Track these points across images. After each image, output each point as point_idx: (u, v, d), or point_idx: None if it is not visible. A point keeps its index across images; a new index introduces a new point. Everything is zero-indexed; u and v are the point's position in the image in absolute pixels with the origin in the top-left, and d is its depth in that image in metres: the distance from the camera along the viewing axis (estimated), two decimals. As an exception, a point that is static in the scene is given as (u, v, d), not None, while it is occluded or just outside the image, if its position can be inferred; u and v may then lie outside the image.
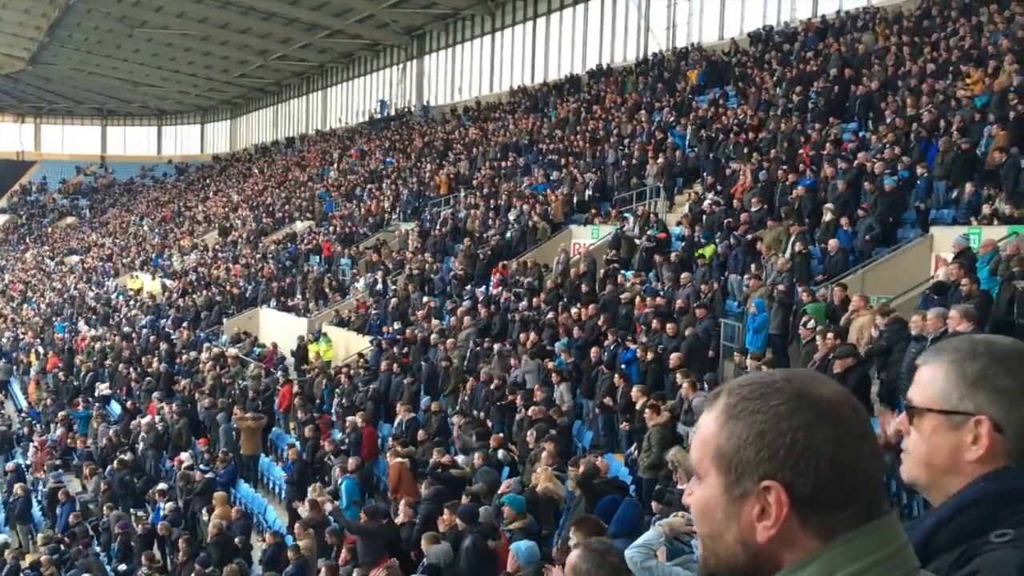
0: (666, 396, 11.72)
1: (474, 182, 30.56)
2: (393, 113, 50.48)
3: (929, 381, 1.46)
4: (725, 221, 16.97)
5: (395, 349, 18.92)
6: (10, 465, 22.27)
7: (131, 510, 17.77)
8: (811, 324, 11.81)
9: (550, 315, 16.77)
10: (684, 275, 15.57)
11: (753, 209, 16.75)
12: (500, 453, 12.59)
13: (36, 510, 20.00)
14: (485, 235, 24.14)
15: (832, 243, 14.38)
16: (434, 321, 19.70)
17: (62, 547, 17.29)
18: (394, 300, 22.51)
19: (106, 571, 15.49)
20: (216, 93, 69.09)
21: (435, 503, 10.59)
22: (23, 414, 27.62)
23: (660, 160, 22.00)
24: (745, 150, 20.28)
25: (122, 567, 15.55)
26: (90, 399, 25.11)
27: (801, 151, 18.78)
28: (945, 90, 17.93)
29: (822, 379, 1.26)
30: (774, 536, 1.17)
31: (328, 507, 12.68)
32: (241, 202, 47.97)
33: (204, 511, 15.46)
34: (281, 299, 27.88)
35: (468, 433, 13.39)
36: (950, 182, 14.84)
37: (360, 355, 20.46)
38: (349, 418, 16.30)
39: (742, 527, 1.19)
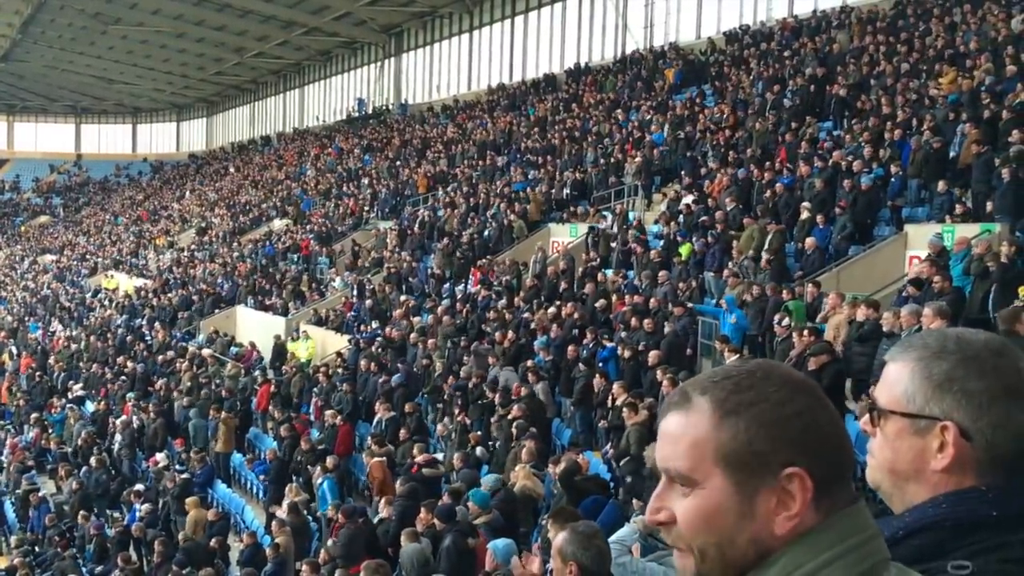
0: (643, 394, 11.77)
1: (452, 181, 30.52)
2: (371, 111, 50.31)
3: (895, 380, 1.35)
4: (701, 219, 17.05)
5: (373, 348, 18.88)
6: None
7: (107, 511, 17.63)
8: (785, 322, 11.89)
9: (526, 314, 16.78)
10: (662, 273, 15.63)
11: (729, 208, 16.84)
12: (479, 451, 12.60)
13: (9, 512, 19.78)
14: (462, 234, 24.12)
15: (809, 241, 14.49)
16: (414, 319, 19.66)
17: (36, 549, 17.13)
18: (370, 300, 22.44)
19: (82, 573, 15.34)
20: (192, 91, 68.58)
21: (411, 501, 10.58)
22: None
23: (638, 159, 22.07)
24: (722, 149, 20.39)
25: (98, 569, 15.42)
26: (64, 400, 24.86)
27: (777, 150, 18.91)
28: (919, 89, 18.10)
29: (783, 365, 1.24)
30: (794, 526, 1.13)
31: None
32: (218, 201, 47.65)
33: (180, 512, 15.37)
34: (258, 298, 27.72)
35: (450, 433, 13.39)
36: (922, 180, 15.00)
37: (338, 354, 20.38)
38: (327, 413, 16.26)
39: (758, 524, 1.14)
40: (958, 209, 13.56)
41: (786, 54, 24.61)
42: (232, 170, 55.14)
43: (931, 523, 1.28)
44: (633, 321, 14.18)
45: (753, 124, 20.57)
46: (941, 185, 14.14)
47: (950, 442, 1.30)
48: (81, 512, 17.48)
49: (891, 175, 15.38)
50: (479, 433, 13.26)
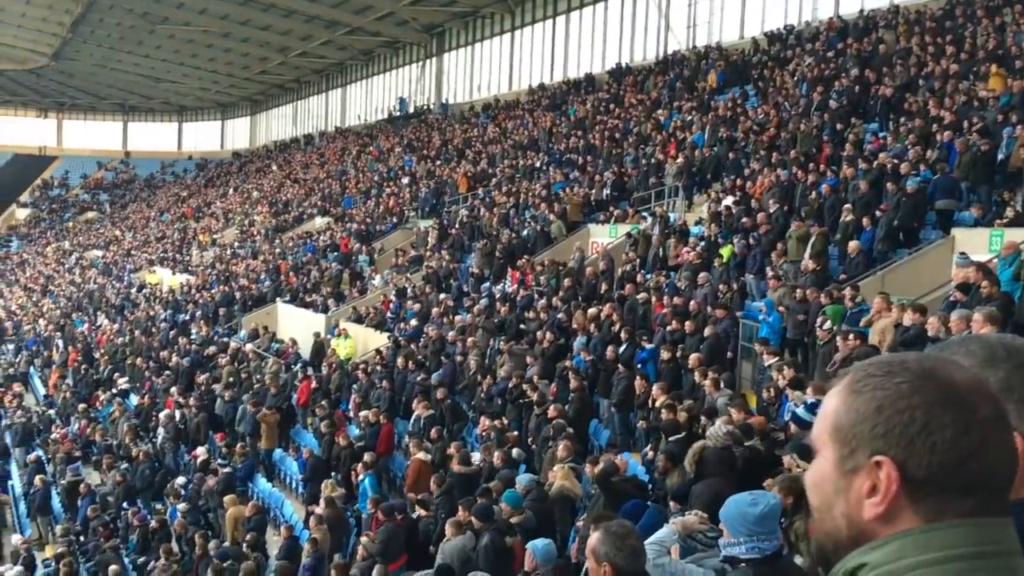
0: (683, 396, 11.71)
1: (492, 180, 30.58)
2: (412, 111, 50.57)
3: None
4: (742, 221, 16.90)
5: (412, 346, 18.98)
6: (31, 457, 22.48)
7: (150, 503, 17.92)
8: (827, 325, 11.74)
9: (560, 315, 16.76)
10: (702, 275, 15.52)
11: (772, 210, 16.68)
12: (515, 451, 12.61)
13: (56, 502, 20.18)
14: (501, 234, 24.15)
15: (852, 245, 14.29)
16: (456, 318, 19.72)
17: (81, 539, 17.46)
18: (410, 299, 22.57)
19: (124, 564, 15.60)
20: (236, 90, 69.46)
21: (448, 499, 10.63)
22: (43, 406, 27.86)
23: (679, 160, 21.94)
24: (764, 150, 20.20)
25: (140, 560, 15.68)
26: (110, 393, 25.31)
27: (820, 151, 18.69)
28: (967, 91, 17.78)
29: (958, 364, 1.22)
30: (880, 514, 1.15)
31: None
32: (260, 198, 48.19)
33: (221, 506, 15.58)
34: (299, 295, 28.01)
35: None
36: (969, 183, 14.73)
37: (378, 352, 20.52)
38: (364, 413, 16.38)
39: (850, 502, 1.18)
40: (1009, 213, 13.29)
41: (831, 54, 24.31)
42: (274, 168, 55.74)
43: None
44: (673, 323, 14.10)
45: (797, 125, 20.35)
46: (985, 190, 13.85)
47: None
48: (124, 504, 17.79)
49: (937, 177, 15.10)
50: (516, 433, 13.26)
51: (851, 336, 10.74)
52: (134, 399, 24.79)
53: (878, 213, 14.72)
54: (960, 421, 1.14)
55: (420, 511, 11.30)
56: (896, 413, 1.15)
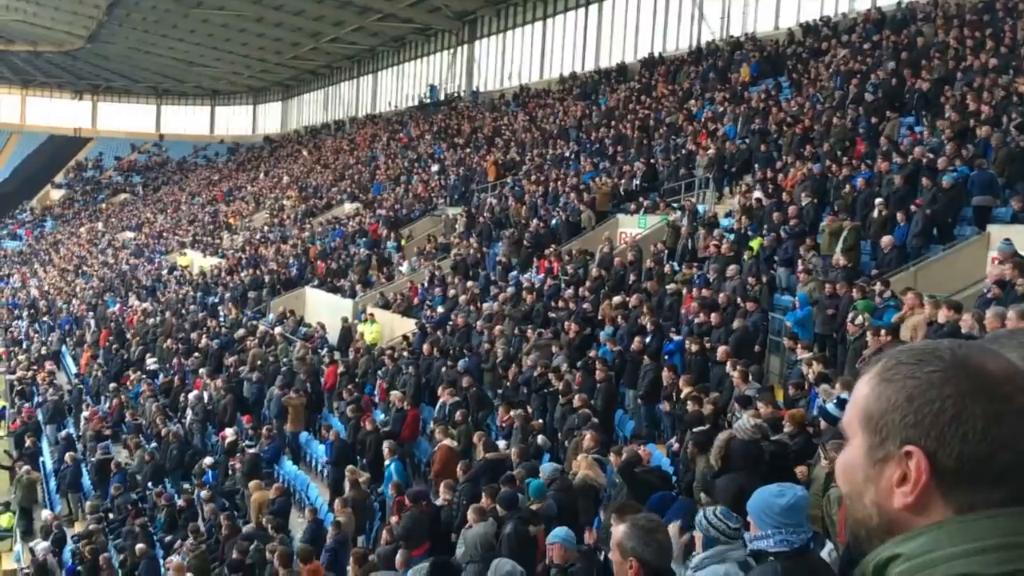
0: (710, 388, 11.64)
1: (521, 169, 30.52)
2: (442, 98, 50.57)
3: None
4: (774, 214, 16.75)
5: (438, 333, 19.01)
6: (62, 434, 22.81)
7: (179, 482, 18.11)
8: (859, 320, 11.62)
9: (586, 305, 16.72)
10: (731, 268, 15.40)
11: (803, 203, 16.51)
12: (540, 439, 12.61)
13: (86, 480, 20.47)
14: (530, 222, 24.11)
15: (885, 240, 14.12)
16: (483, 306, 19.73)
17: (110, 516, 17.71)
18: (439, 286, 22.61)
19: (152, 541, 15.80)
20: (268, 75, 69.81)
21: (472, 486, 10.65)
22: (74, 384, 28.26)
23: (710, 151, 21.77)
24: (796, 143, 19.99)
25: (167, 538, 15.87)
26: (140, 373, 25.60)
27: (854, 145, 18.47)
28: (1006, 85, 17.49)
29: (993, 353, 1.20)
30: (911, 504, 1.15)
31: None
32: (290, 183, 48.45)
33: (246, 488, 15.72)
34: (328, 280, 28.15)
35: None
36: (1006, 179, 14.49)
37: (405, 338, 20.58)
38: (394, 393, 16.45)
39: (880, 491, 1.18)
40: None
41: (867, 47, 23.99)
42: (305, 153, 56.00)
43: None
44: (701, 315, 14.02)
45: (830, 118, 20.12)
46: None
47: None
48: (151, 483, 18.00)
49: (974, 173, 14.86)
50: (541, 421, 13.26)
51: (882, 332, 10.62)
52: (162, 379, 25.05)
53: (912, 208, 14.53)
54: (992, 411, 1.13)
55: (444, 497, 11.34)
56: (927, 403, 1.14)
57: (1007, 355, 1.31)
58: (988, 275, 11.50)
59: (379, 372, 18.75)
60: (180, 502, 16.59)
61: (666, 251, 18.28)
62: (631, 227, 21.76)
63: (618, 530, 3.58)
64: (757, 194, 18.32)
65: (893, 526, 1.17)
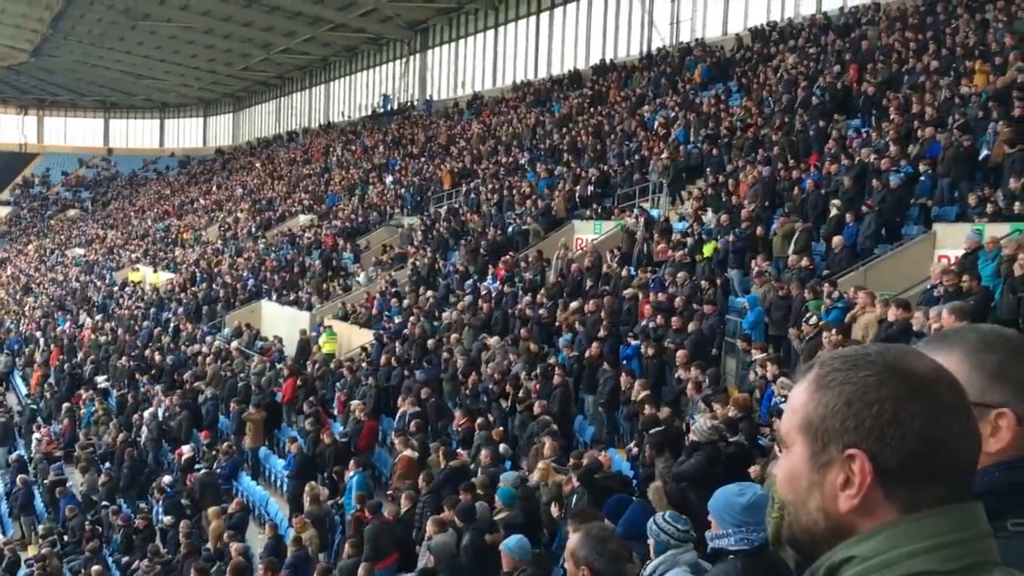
0: (663, 393, 11.75)
1: (476, 177, 30.54)
2: (396, 107, 50.45)
3: None
4: (722, 217, 16.93)
5: (396, 343, 18.93)
6: (12, 456, 22.29)
7: (135, 502, 17.79)
8: (812, 320, 11.79)
9: (542, 311, 16.76)
10: (681, 274, 15.53)
11: (752, 206, 16.71)
12: (502, 447, 12.60)
13: (38, 502, 20.03)
14: (486, 230, 24.13)
15: (836, 240, 14.36)
16: (441, 315, 19.69)
17: (64, 539, 17.34)
18: (394, 296, 22.53)
19: (107, 564, 15.50)
20: (219, 86, 69.10)
21: (435, 497, 10.62)
22: (25, 404, 27.65)
23: (664, 156, 21.98)
24: (748, 147, 20.26)
25: (124, 559, 15.57)
26: (92, 391, 25.12)
27: (804, 148, 18.76)
28: (949, 86, 17.89)
29: (918, 354, 1.25)
30: (856, 506, 1.18)
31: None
32: (244, 196, 47.96)
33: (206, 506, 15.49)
34: (283, 293, 27.90)
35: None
36: (952, 179, 14.82)
37: (363, 348, 20.46)
38: (354, 402, 16.34)
39: (825, 496, 1.20)
40: (989, 208, 13.38)
41: (813, 51, 24.40)
42: (258, 165, 55.48)
43: (988, 488, 1.35)
44: (657, 319, 14.13)
45: (779, 122, 20.42)
46: (967, 184, 13.93)
47: (1004, 427, 1.40)
48: (105, 503, 17.66)
49: (920, 174, 15.19)
50: (502, 429, 13.26)
51: (834, 331, 10.78)
52: (115, 397, 24.61)
53: (864, 209, 14.77)
54: (927, 411, 1.17)
55: (404, 504, 11.27)
56: (865, 406, 1.17)
57: (953, 356, 1.42)
58: (932, 273, 11.73)
59: (338, 384, 18.62)
60: (137, 522, 16.29)
61: (619, 256, 18.40)
62: (587, 233, 21.88)
63: (572, 539, 3.60)
64: (708, 198, 18.51)
65: (839, 530, 1.20)
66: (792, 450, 1.24)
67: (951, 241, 13.18)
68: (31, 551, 17.90)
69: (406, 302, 21.79)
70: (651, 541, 4.90)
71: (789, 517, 1.26)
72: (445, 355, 17.19)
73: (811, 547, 1.23)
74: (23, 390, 30.41)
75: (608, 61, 36.58)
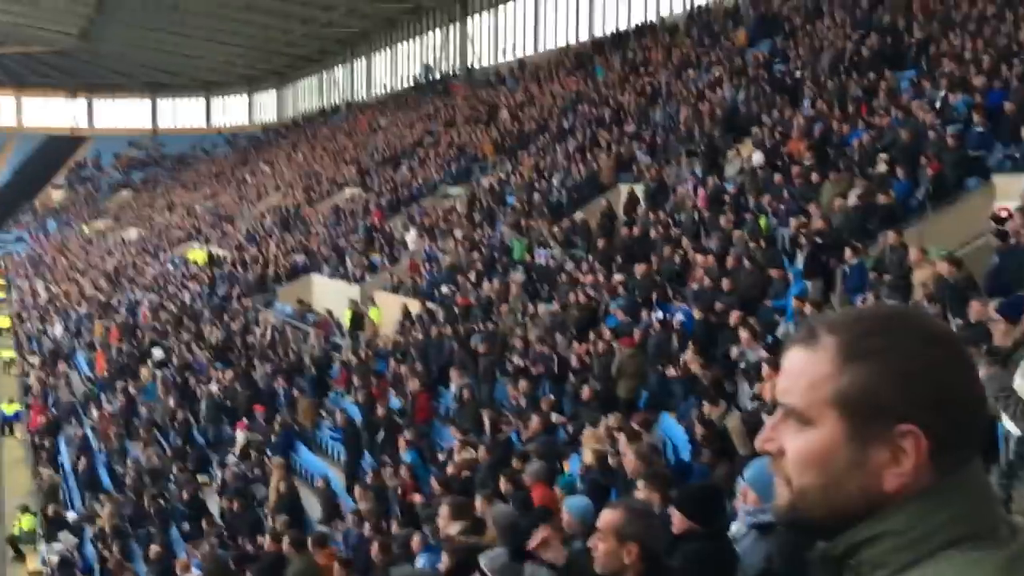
0: (716, 356, 11.64)
1: (520, 145, 30.35)
2: (438, 77, 50.28)
3: None
4: (775, 176, 16.63)
5: (447, 313, 19.00)
6: (78, 434, 22.92)
7: (196, 476, 18.19)
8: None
9: (588, 277, 16.69)
10: (736, 233, 15.30)
11: (806, 162, 16.37)
12: (553, 416, 12.60)
13: (105, 478, 20.59)
14: (532, 198, 24.03)
15: (888, 195, 14.00)
16: (485, 284, 19.71)
17: (129, 511, 17.82)
18: (446, 264, 22.59)
19: (170, 537, 15.91)
20: (262, 63, 69.48)
21: (492, 470, 10.62)
22: (88, 384, 28.38)
23: (710, 116, 21.61)
24: (797, 103, 19.83)
25: (186, 527, 15.96)
26: (152, 366, 25.63)
27: (855, 101, 18.30)
28: (1008, 34, 17.29)
29: (927, 313, 1.21)
30: (903, 484, 1.10)
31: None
32: (291, 171, 48.36)
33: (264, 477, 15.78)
34: (332, 266, 28.14)
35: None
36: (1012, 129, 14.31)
37: (411, 319, 20.56)
38: (405, 379, 16.48)
39: (868, 474, 1.11)
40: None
41: (864, 2, 23.73)
42: (303, 141, 55.83)
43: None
44: (706, 281, 13.97)
45: (828, 76, 19.93)
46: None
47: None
48: (171, 477, 18.09)
49: (976, 124, 14.69)
50: (551, 398, 13.25)
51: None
52: (174, 372, 25.11)
53: (924, 162, 14.35)
54: (967, 373, 1.13)
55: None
56: (914, 375, 1.10)
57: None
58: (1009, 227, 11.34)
59: (392, 356, 18.78)
60: (198, 492, 16.59)
61: (671, 219, 18.19)
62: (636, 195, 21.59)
63: (611, 515, 3.45)
64: (757, 157, 18.16)
65: (875, 508, 1.12)
66: (819, 427, 1.13)
67: (1011, 192, 12.77)
68: (98, 523, 18.42)
69: (452, 272, 21.81)
70: (749, 490, 4.70)
71: (808, 499, 1.14)
72: (494, 324, 17.21)
73: (837, 528, 1.14)
74: (85, 369, 31.20)
75: (651, 21, 35.97)
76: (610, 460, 9.08)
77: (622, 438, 8.89)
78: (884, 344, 1.11)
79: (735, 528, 4.90)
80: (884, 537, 1.10)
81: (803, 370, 1.15)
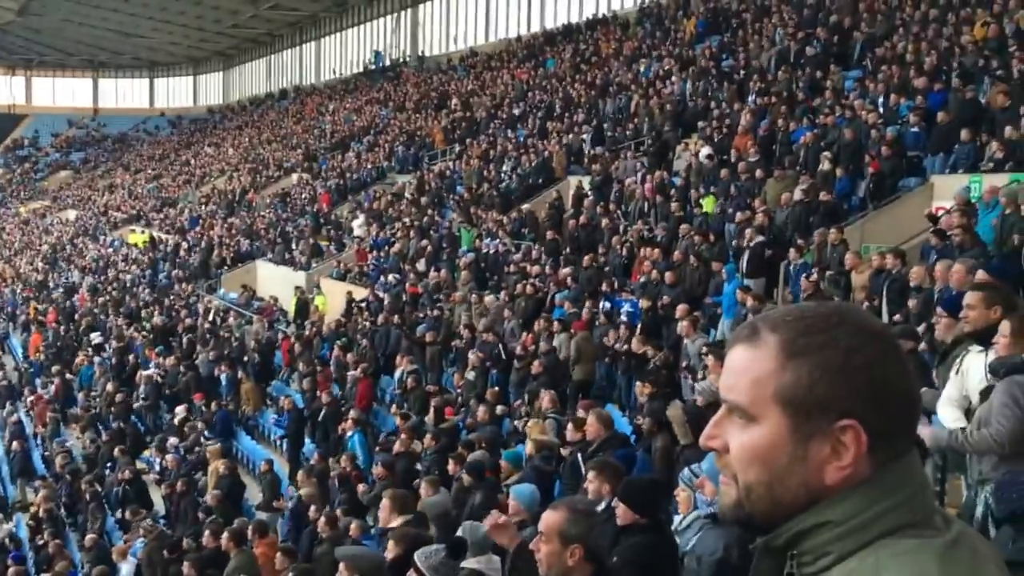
0: (663, 345, 11.75)
1: (469, 134, 30.28)
2: (388, 64, 49.88)
3: None
4: (722, 171, 16.83)
5: (392, 301, 18.90)
6: (12, 419, 22.33)
7: (134, 462, 17.84)
8: (813, 276, 11.75)
9: (535, 268, 16.74)
10: (683, 227, 15.46)
11: (751, 159, 16.59)
12: (498, 408, 12.61)
13: (38, 463, 20.11)
14: (481, 187, 24.00)
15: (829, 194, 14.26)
16: (432, 273, 19.66)
17: (63, 499, 17.44)
18: (393, 251, 22.46)
19: (107, 520, 15.61)
20: (208, 44, 68.21)
21: (440, 457, 10.61)
22: (23, 368, 27.66)
23: (658, 110, 21.77)
24: (745, 98, 20.08)
25: (121, 514, 15.65)
26: (88, 350, 25.08)
27: (800, 100, 18.59)
28: (949, 36, 17.69)
29: (862, 309, 1.23)
30: (845, 476, 1.12)
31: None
32: (236, 155, 47.60)
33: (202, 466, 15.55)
34: (278, 252, 27.79)
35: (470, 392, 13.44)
36: (949, 130, 14.64)
37: (357, 306, 20.42)
38: (349, 365, 16.37)
39: (809, 469, 1.13)
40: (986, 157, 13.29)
41: (811, 1, 24.08)
42: (249, 124, 54.99)
43: None
44: (653, 274, 14.09)
45: (776, 74, 20.21)
46: (965, 134, 13.78)
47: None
48: (109, 463, 17.72)
49: (913, 124, 15.01)
50: (496, 389, 13.26)
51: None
52: (111, 357, 24.58)
53: (867, 161, 14.63)
54: (902, 367, 1.15)
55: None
56: (853, 371, 1.12)
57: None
58: (943, 223, 11.62)
59: (336, 343, 18.62)
60: (128, 474, 16.20)
61: (619, 212, 18.31)
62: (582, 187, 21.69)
63: (556, 516, 3.29)
64: (705, 151, 18.35)
65: (815, 500, 1.14)
66: (761, 424, 1.15)
67: (949, 193, 13.08)
68: (31, 512, 17.99)
69: (398, 260, 21.70)
70: (683, 493, 4.85)
71: (753, 495, 1.16)
72: (437, 312, 17.16)
73: (778, 522, 1.16)
74: (20, 352, 30.40)
75: (603, 14, 36.11)
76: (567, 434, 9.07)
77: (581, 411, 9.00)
78: (824, 341, 1.13)
79: (678, 520, 4.98)
80: (825, 527, 1.13)
81: (746, 367, 1.17)
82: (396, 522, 7.15)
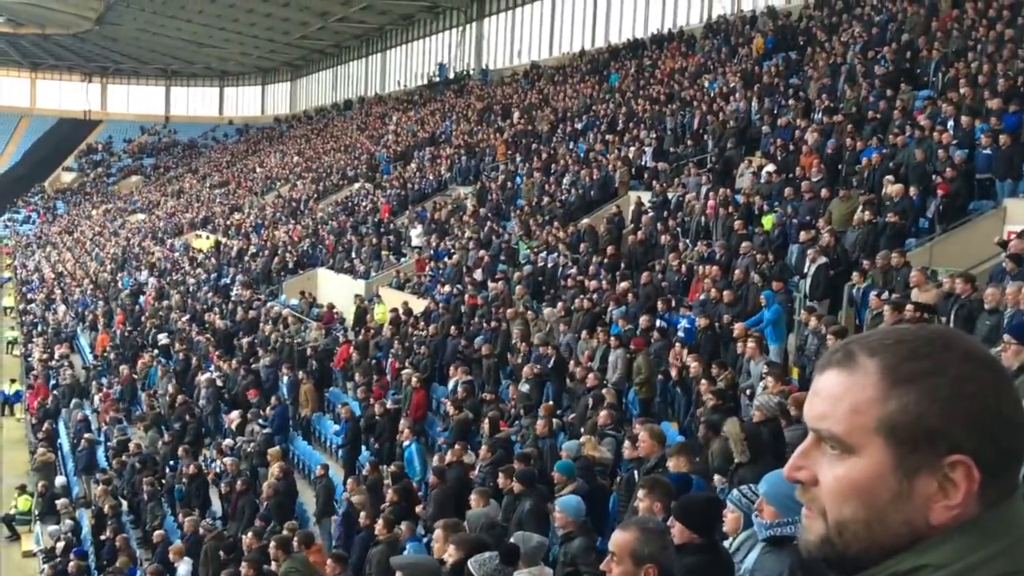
0: (726, 363, 11.60)
1: (532, 147, 30.35)
2: (451, 76, 50.32)
3: None
4: (786, 189, 16.60)
5: (451, 312, 18.99)
6: (78, 416, 22.95)
7: (196, 460, 18.17)
8: (884, 295, 11.51)
9: (592, 282, 16.67)
10: (744, 244, 15.28)
11: (815, 179, 16.34)
12: (553, 422, 12.57)
13: (103, 460, 20.61)
14: (541, 200, 24.03)
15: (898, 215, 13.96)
16: (491, 285, 19.70)
17: (125, 494, 17.85)
18: (450, 265, 22.59)
19: (167, 518, 15.91)
20: (277, 55, 69.62)
21: (493, 467, 10.62)
22: (91, 366, 28.42)
23: (722, 127, 21.59)
24: (808, 117, 19.80)
25: (181, 514, 15.94)
26: (155, 351, 25.65)
27: (867, 118, 18.27)
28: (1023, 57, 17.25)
29: (965, 334, 1.13)
30: (954, 516, 1.03)
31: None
32: (301, 163, 48.41)
33: (263, 466, 15.76)
34: (339, 260, 28.15)
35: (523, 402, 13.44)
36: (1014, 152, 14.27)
37: (414, 316, 20.55)
38: (403, 374, 16.47)
39: (913, 506, 1.03)
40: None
41: (880, 18, 23.68)
42: (316, 134, 55.89)
43: None
44: (712, 292, 13.95)
45: (844, 92, 19.90)
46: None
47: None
48: (171, 462, 18.08)
49: (984, 147, 14.65)
50: (551, 403, 13.23)
51: (909, 307, 10.45)
52: (176, 359, 25.11)
53: (936, 181, 14.32)
54: (1015, 399, 1.05)
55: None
56: (966, 400, 1.03)
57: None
58: (1011, 247, 11.33)
59: (391, 352, 18.77)
60: (191, 470, 16.50)
61: (678, 228, 18.18)
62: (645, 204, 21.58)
63: (625, 536, 3.31)
64: (768, 168, 18.15)
65: (919, 541, 1.05)
66: (860, 456, 1.05)
67: (1022, 218, 12.75)
68: (94, 508, 18.43)
69: (458, 271, 21.80)
70: (735, 514, 4.79)
71: (848, 533, 1.06)
72: (497, 324, 17.19)
73: (872, 562, 1.06)
74: (88, 351, 31.25)
75: (668, 30, 35.98)
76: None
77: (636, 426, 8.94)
78: (931, 367, 1.04)
79: (731, 540, 4.91)
80: (923, 569, 1.04)
81: (843, 394, 1.07)
82: (450, 550, 7.16)
